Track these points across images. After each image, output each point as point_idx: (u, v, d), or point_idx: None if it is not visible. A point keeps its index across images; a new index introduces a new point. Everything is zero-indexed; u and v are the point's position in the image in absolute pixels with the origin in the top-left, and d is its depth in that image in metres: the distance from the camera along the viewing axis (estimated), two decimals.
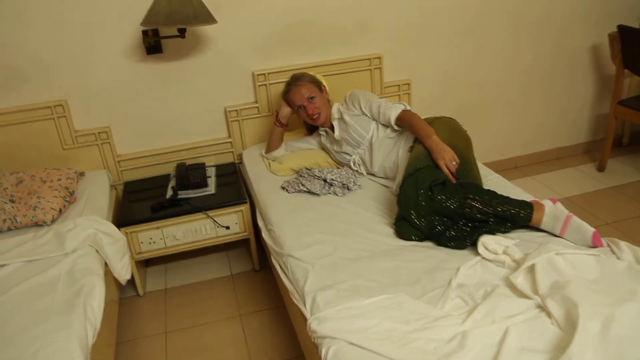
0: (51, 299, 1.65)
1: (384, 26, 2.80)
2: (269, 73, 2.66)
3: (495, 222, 1.75)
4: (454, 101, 3.14)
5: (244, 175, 2.62)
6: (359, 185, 2.23)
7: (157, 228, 2.33)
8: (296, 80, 2.36)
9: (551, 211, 1.78)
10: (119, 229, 2.25)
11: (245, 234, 2.48)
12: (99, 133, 2.54)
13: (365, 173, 2.35)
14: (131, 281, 2.37)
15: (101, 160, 2.59)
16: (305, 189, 2.19)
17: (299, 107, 2.35)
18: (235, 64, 2.63)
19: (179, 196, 2.42)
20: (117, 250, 2.06)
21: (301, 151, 2.53)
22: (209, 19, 2.14)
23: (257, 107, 2.72)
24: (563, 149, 3.60)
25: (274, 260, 1.96)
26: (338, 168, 2.35)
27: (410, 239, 1.83)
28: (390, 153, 2.22)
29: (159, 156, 2.68)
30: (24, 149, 2.44)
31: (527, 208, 1.78)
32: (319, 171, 2.25)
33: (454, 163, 1.89)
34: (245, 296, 2.44)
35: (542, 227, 1.78)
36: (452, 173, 1.87)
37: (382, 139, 2.25)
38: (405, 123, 2.15)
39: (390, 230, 1.90)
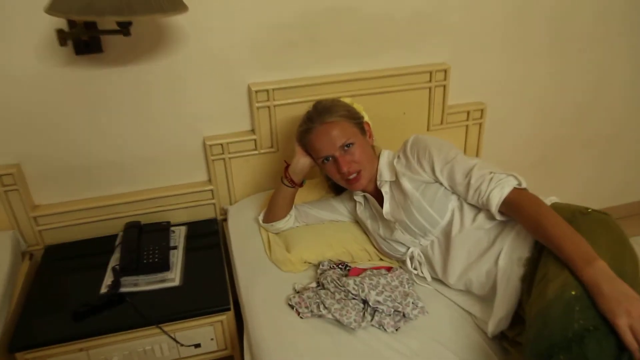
0: None
1: (452, 26, 1.82)
2: (274, 89, 1.70)
3: None
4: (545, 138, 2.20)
5: (229, 247, 1.68)
6: (421, 307, 1.30)
7: (81, 350, 1.40)
8: (323, 113, 1.39)
9: None
10: (14, 353, 1.35)
11: (226, 351, 1.56)
12: (1, 175, 1.59)
13: (429, 278, 1.41)
14: None
15: (6, 215, 1.65)
16: (330, 317, 1.25)
17: (324, 159, 1.40)
18: (221, 73, 1.66)
19: (122, 289, 1.50)
20: None
21: (321, 225, 1.58)
22: (170, 7, 1.16)
23: (255, 139, 1.77)
24: None
25: None
26: (387, 272, 1.40)
27: None
28: (483, 257, 1.26)
29: (99, 209, 1.73)
30: None
31: None
32: (357, 284, 1.30)
33: None
34: None
35: None
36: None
37: (468, 231, 1.29)
38: (521, 216, 1.19)
39: None
